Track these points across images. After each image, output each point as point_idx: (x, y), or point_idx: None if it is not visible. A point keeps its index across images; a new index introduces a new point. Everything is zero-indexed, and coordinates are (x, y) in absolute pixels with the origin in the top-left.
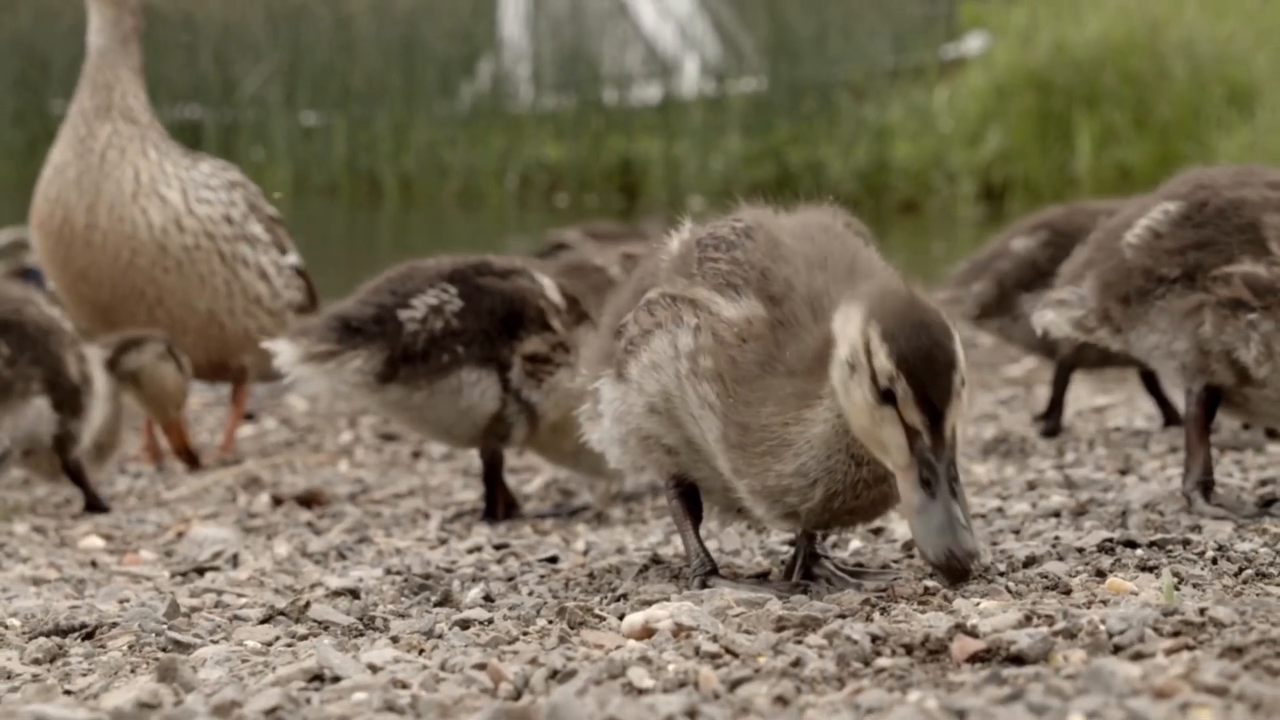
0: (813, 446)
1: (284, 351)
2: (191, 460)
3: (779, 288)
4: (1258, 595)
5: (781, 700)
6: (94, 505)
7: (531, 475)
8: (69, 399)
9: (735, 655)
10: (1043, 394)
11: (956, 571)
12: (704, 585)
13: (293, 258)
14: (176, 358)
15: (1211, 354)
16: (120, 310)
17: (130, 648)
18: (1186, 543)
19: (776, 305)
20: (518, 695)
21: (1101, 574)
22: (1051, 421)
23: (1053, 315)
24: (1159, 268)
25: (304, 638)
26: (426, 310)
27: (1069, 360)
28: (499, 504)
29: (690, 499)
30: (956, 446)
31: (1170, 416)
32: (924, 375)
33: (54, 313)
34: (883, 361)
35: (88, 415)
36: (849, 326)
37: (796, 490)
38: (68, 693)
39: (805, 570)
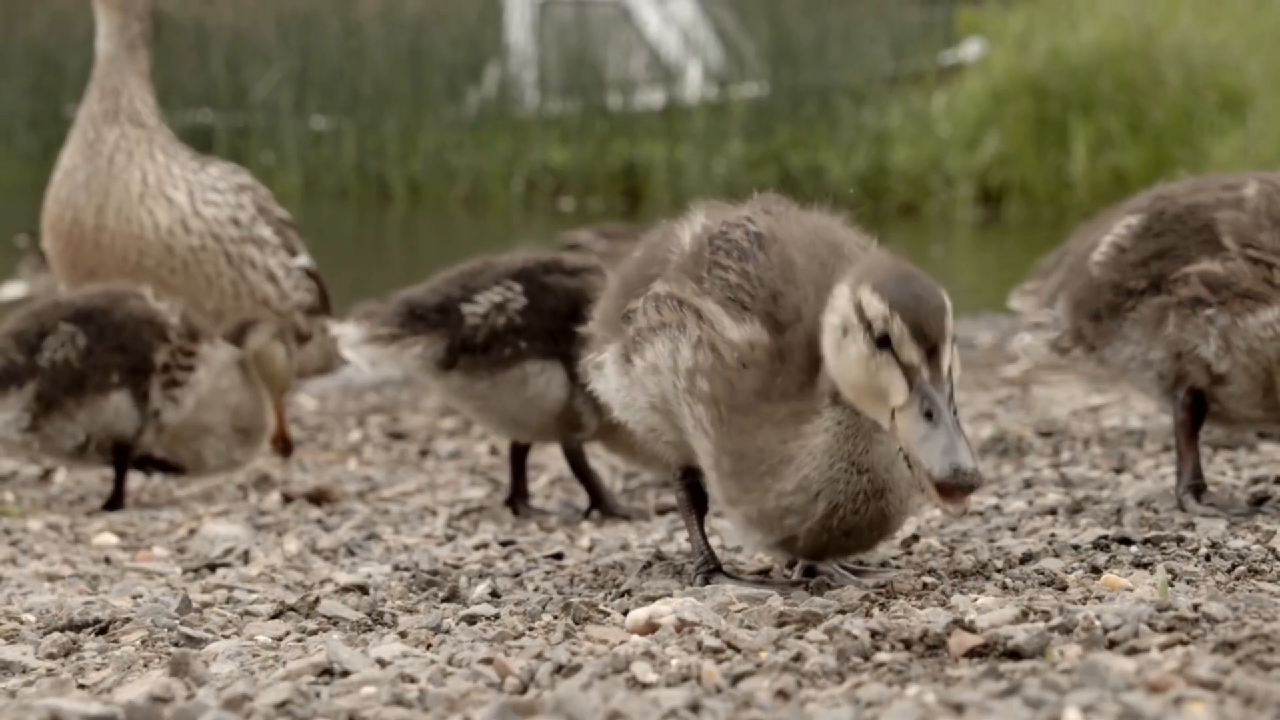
0: (815, 457)
1: (349, 333)
2: (286, 446)
3: (787, 315)
4: (1250, 591)
5: (783, 694)
6: (117, 500)
7: (537, 474)
8: (148, 392)
9: (737, 650)
10: (1040, 393)
11: (962, 488)
12: (706, 582)
13: (303, 259)
14: (286, 342)
15: (1184, 356)
16: None
17: (143, 643)
18: (1180, 540)
19: (780, 333)
20: (524, 689)
21: (1097, 570)
22: None
23: (1029, 339)
24: (1126, 281)
25: (314, 633)
26: (489, 306)
27: None
28: (601, 496)
29: (697, 491)
30: (954, 387)
31: None
32: (917, 313)
33: (158, 306)
34: (876, 307)
35: (169, 409)
36: (837, 300)
37: (798, 509)
38: (82, 687)
39: (808, 568)
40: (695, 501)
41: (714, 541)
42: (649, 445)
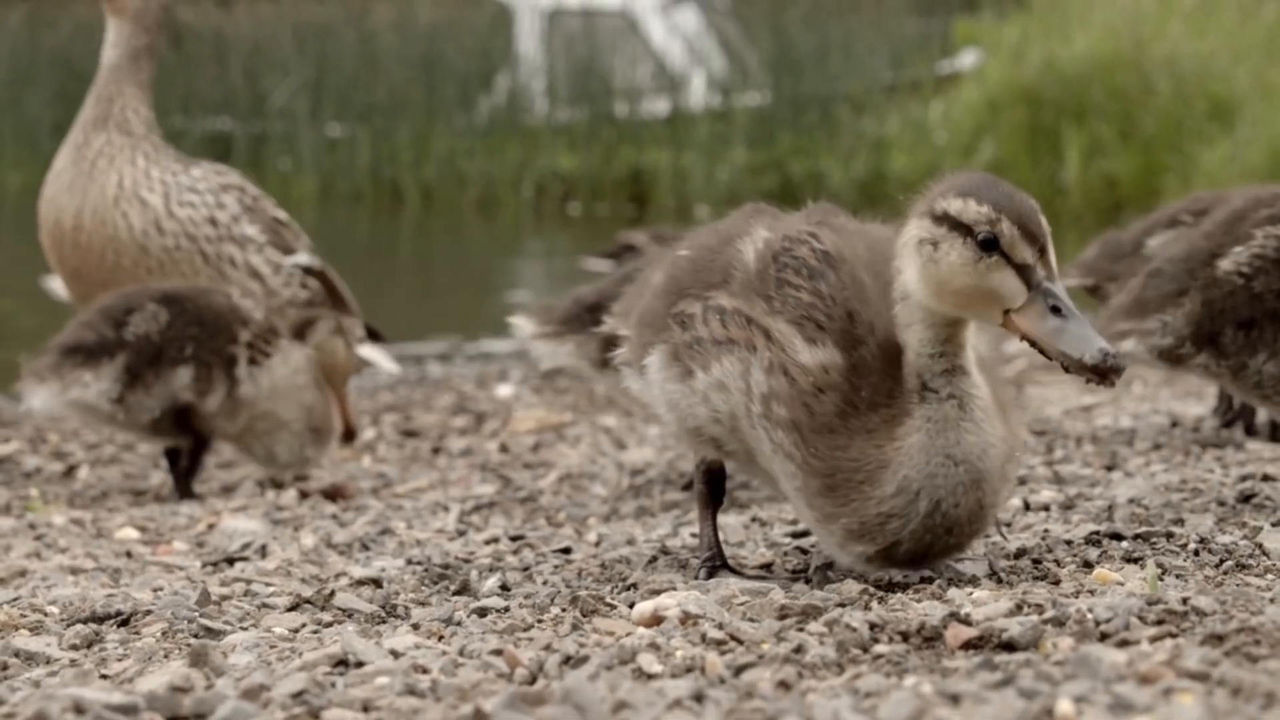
0: (911, 457)
1: (523, 326)
2: (350, 434)
3: (860, 332)
4: (1238, 585)
5: (784, 685)
6: (185, 490)
7: (546, 470)
8: (218, 377)
9: (740, 642)
10: (1034, 393)
11: (1114, 369)
12: (710, 576)
13: (302, 257)
14: (345, 335)
15: None
16: None
17: (163, 634)
18: (1170, 535)
19: (855, 349)
20: (533, 680)
21: (1089, 565)
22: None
23: (1132, 344)
24: None
25: (329, 625)
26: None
27: None
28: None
29: (716, 487)
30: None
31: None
32: (1021, 213)
33: (243, 302)
34: (976, 211)
35: (233, 385)
36: (907, 228)
37: (900, 511)
38: (104, 677)
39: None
40: (712, 497)
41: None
42: (685, 441)
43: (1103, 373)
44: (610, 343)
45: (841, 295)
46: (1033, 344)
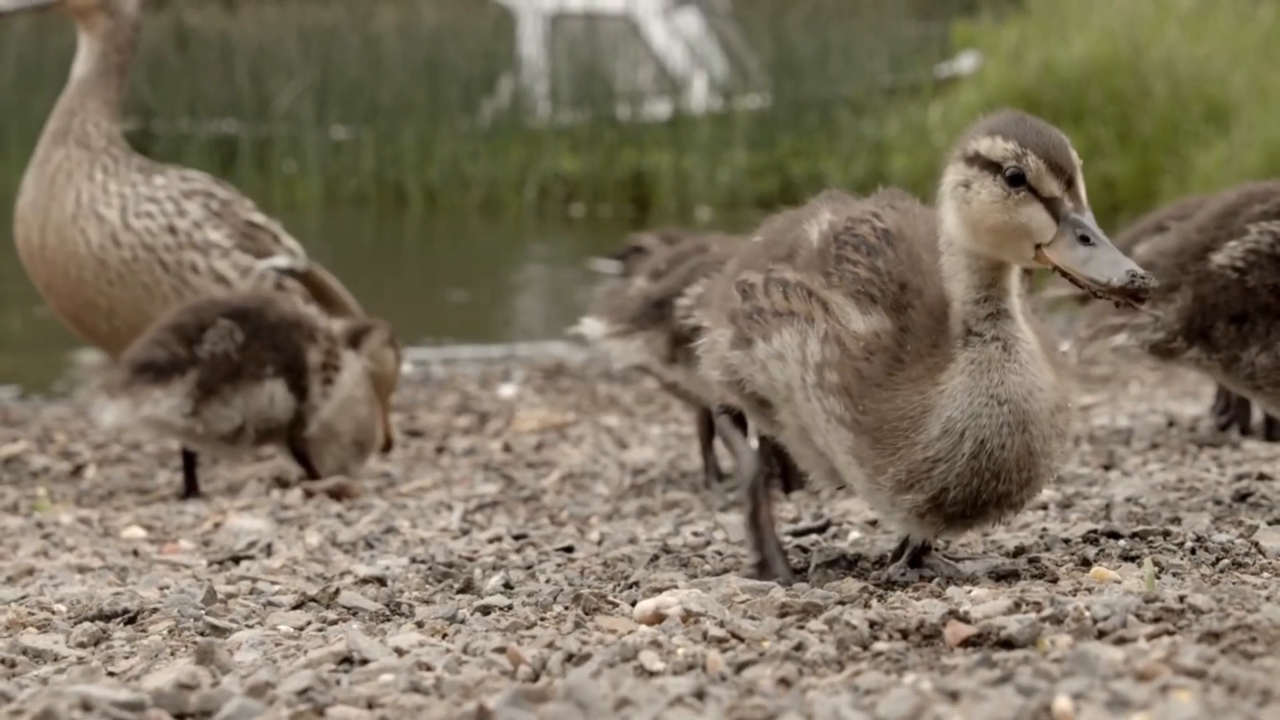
0: (955, 398)
1: (593, 327)
2: (388, 445)
3: (910, 297)
4: (1234, 583)
5: (785, 682)
6: (313, 475)
7: (548, 469)
8: (301, 385)
9: (741, 640)
10: None
11: (1143, 291)
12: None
13: (282, 260)
14: (396, 346)
15: None
16: (85, 319)
17: (170, 632)
18: (1167, 534)
19: (903, 312)
20: (536, 677)
21: (1086, 563)
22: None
23: (1123, 339)
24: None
25: (334, 623)
26: (695, 300)
27: None
28: (789, 477)
29: (739, 420)
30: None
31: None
32: (1047, 147)
33: (307, 310)
34: (1003, 148)
35: (321, 403)
36: (946, 173)
37: (945, 455)
38: (111, 674)
39: (914, 559)
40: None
41: (718, 535)
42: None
43: (1131, 293)
44: (679, 338)
45: (897, 269)
46: (1064, 274)
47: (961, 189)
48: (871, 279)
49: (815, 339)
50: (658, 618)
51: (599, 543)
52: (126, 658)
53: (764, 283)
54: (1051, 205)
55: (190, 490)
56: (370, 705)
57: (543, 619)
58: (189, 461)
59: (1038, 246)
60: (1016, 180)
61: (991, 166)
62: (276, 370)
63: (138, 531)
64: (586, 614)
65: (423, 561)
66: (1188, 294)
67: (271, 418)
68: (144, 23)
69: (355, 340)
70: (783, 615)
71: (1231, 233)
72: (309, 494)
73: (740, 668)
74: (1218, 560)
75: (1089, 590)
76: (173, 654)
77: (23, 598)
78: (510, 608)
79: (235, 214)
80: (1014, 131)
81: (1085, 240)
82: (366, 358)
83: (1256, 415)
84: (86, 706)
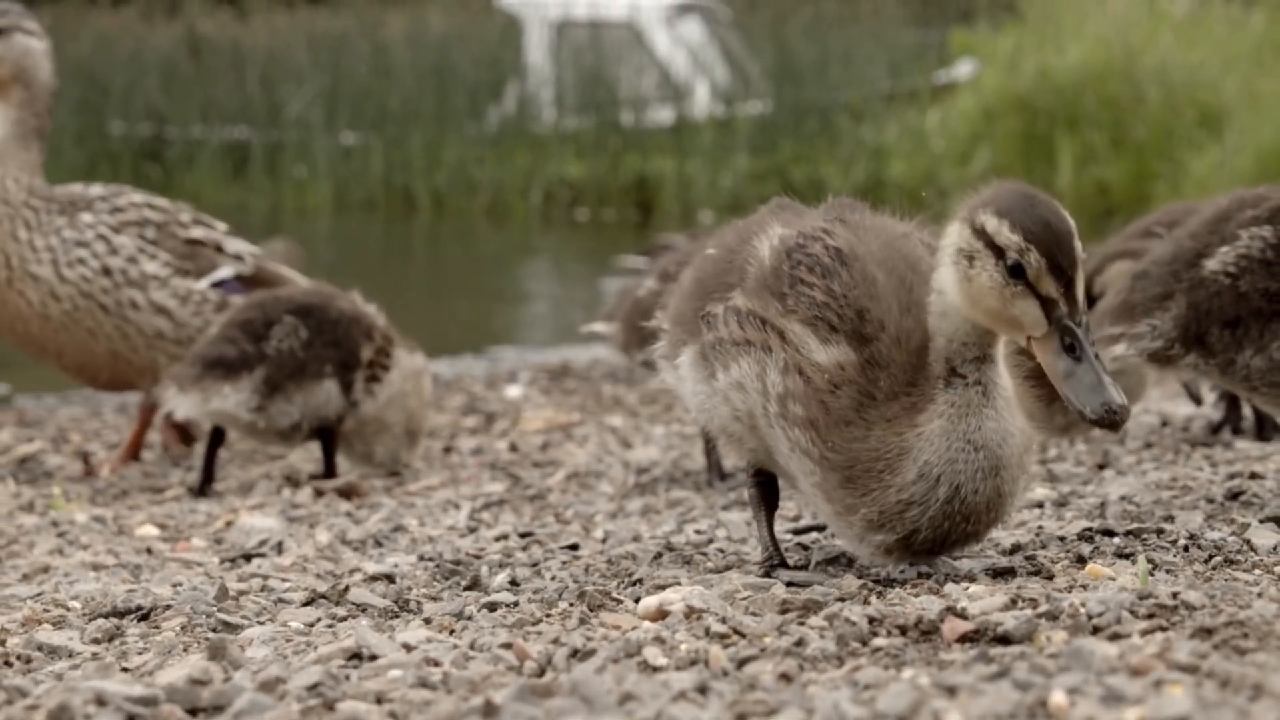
0: (932, 442)
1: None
2: None
3: (871, 329)
4: (1226, 580)
5: (785, 677)
6: (331, 474)
7: (554, 469)
8: (348, 381)
9: (743, 636)
10: None
11: (1115, 423)
12: (768, 575)
13: (223, 272)
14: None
15: None
16: (39, 357)
17: (183, 628)
18: (1160, 532)
19: (868, 345)
20: (541, 672)
21: (1082, 560)
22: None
23: (1122, 349)
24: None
25: (343, 619)
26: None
27: None
28: None
29: (768, 489)
30: (1087, 314)
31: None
32: (1051, 244)
33: (365, 308)
34: (1008, 237)
35: (364, 399)
36: (951, 230)
37: (920, 499)
38: (125, 670)
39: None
40: (765, 499)
41: (721, 533)
42: (725, 446)
43: (1103, 426)
44: None
45: (853, 293)
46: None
47: (964, 261)
48: (828, 303)
49: (775, 369)
50: (661, 614)
51: (603, 540)
52: (140, 654)
53: (723, 312)
54: (1047, 305)
55: (206, 482)
56: (379, 700)
57: (548, 615)
58: (210, 457)
59: (1032, 338)
60: (1016, 272)
61: (995, 249)
62: (334, 368)
63: (151, 530)
64: (591, 610)
65: (430, 559)
66: (1182, 301)
67: (325, 415)
68: (57, 88)
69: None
70: (783, 611)
71: (1224, 238)
72: (319, 493)
73: (742, 663)
74: (1210, 558)
75: (1084, 587)
76: (185, 650)
77: (38, 595)
78: (516, 604)
79: (173, 235)
80: (1022, 220)
81: (1071, 350)
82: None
83: (1247, 413)
84: (101, 701)
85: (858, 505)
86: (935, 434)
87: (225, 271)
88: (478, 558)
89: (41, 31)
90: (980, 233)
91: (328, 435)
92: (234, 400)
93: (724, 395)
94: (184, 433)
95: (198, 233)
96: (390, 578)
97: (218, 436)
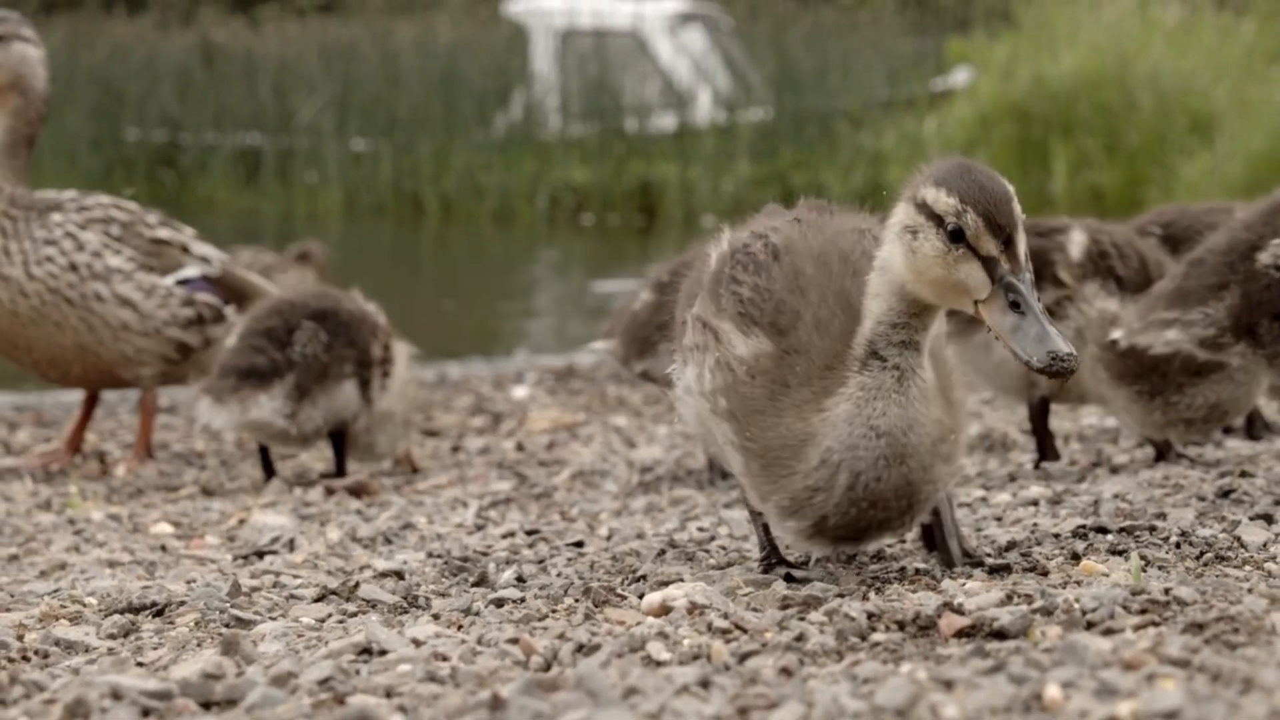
0: (835, 427)
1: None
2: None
3: (787, 320)
4: (1217, 577)
5: (786, 671)
6: (341, 473)
7: (560, 468)
8: (366, 379)
9: (744, 631)
10: None
11: (1062, 371)
12: (766, 572)
13: (190, 271)
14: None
15: None
16: (10, 354)
17: (196, 624)
18: (1153, 529)
19: (784, 336)
20: (547, 667)
21: (1076, 557)
22: None
23: (1174, 334)
24: None
25: (354, 615)
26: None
27: None
28: (1047, 447)
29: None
30: (1030, 270)
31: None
32: (989, 205)
33: (368, 307)
34: (945, 202)
35: (380, 397)
36: (896, 209)
37: (823, 485)
38: (140, 665)
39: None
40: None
41: (723, 531)
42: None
43: (1050, 374)
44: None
45: (776, 286)
46: (996, 336)
47: (909, 235)
48: (753, 298)
49: (709, 367)
50: (664, 610)
51: (608, 538)
52: (155, 649)
53: (688, 320)
54: (989, 265)
55: (270, 474)
56: (389, 694)
57: (554, 611)
58: (265, 452)
59: (977, 301)
60: (956, 236)
61: (935, 218)
62: (352, 369)
63: (166, 528)
64: (596, 606)
65: (439, 556)
66: (1236, 292)
67: (344, 416)
68: (51, 95)
69: None
70: (784, 607)
71: (1277, 231)
72: (330, 491)
73: (744, 658)
74: (1201, 554)
75: (1078, 583)
76: (199, 645)
77: (55, 591)
78: (523, 600)
79: (138, 234)
80: (957, 185)
81: (1016, 306)
82: None
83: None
84: (116, 695)
85: (771, 492)
86: (839, 418)
87: (191, 271)
88: (485, 555)
89: (38, 39)
90: (922, 206)
91: (340, 435)
92: (269, 408)
93: (682, 399)
94: (76, 445)
95: (163, 233)
96: (399, 574)
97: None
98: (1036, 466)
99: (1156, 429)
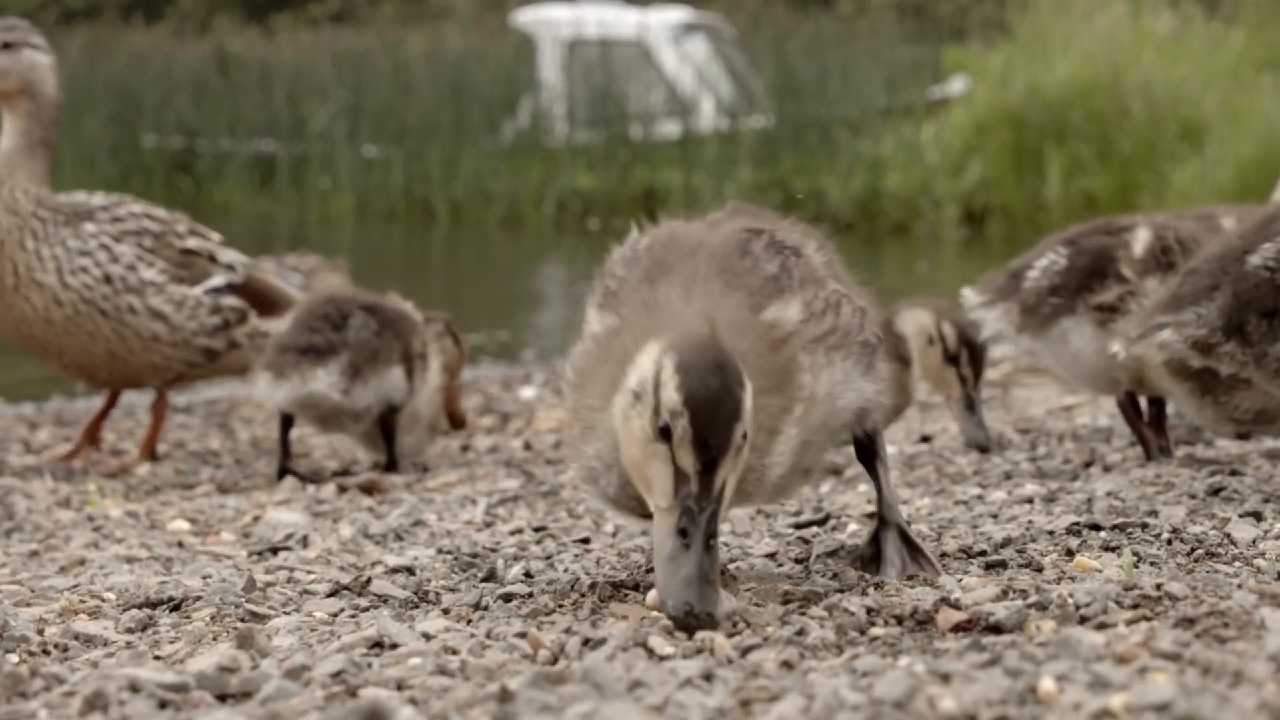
0: (611, 435)
1: (970, 297)
2: (458, 422)
3: (632, 305)
4: (1208, 572)
5: (787, 665)
6: (393, 466)
7: (567, 466)
8: (410, 370)
9: (746, 625)
10: (1019, 394)
11: (691, 627)
12: None
13: (217, 280)
14: (455, 334)
15: None
16: (42, 357)
17: (212, 618)
18: (1145, 526)
19: (619, 314)
20: (554, 660)
21: (1070, 553)
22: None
23: (1168, 335)
24: None
25: (366, 609)
26: (1040, 270)
27: None
28: (1150, 441)
29: None
30: (724, 503)
31: None
32: (706, 419)
33: (406, 306)
34: (670, 394)
35: (420, 388)
36: (645, 357)
37: (604, 474)
38: (157, 658)
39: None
40: None
41: (724, 528)
42: None
43: (678, 623)
44: (1027, 308)
45: (634, 276)
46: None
47: (632, 397)
48: (619, 289)
49: (577, 351)
50: None
51: (614, 535)
52: (172, 642)
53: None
54: (678, 478)
55: (286, 469)
56: (400, 687)
57: (561, 606)
58: (284, 438)
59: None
60: (664, 434)
61: (655, 403)
62: (399, 357)
63: (182, 524)
64: (602, 601)
65: (449, 552)
66: (1227, 292)
67: (392, 398)
68: (63, 100)
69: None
70: (785, 602)
71: (1268, 236)
72: (342, 489)
73: (746, 651)
74: (1192, 550)
75: (1072, 579)
76: (215, 639)
77: (75, 586)
78: (531, 595)
79: (169, 245)
80: (692, 381)
81: (684, 534)
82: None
83: None
84: (134, 688)
85: (573, 460)
86: (612, 433)
87: (218, 280)
88: (494, 551)
89: (48, 47)
90: (656, 382)
91: (389, 425)
92: (325, 382)
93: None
94: (93, 437)
95: (193, 243)
96: (410, 570)
97: (287, 423)
98: (1147, 460)
99: (1211, 424)
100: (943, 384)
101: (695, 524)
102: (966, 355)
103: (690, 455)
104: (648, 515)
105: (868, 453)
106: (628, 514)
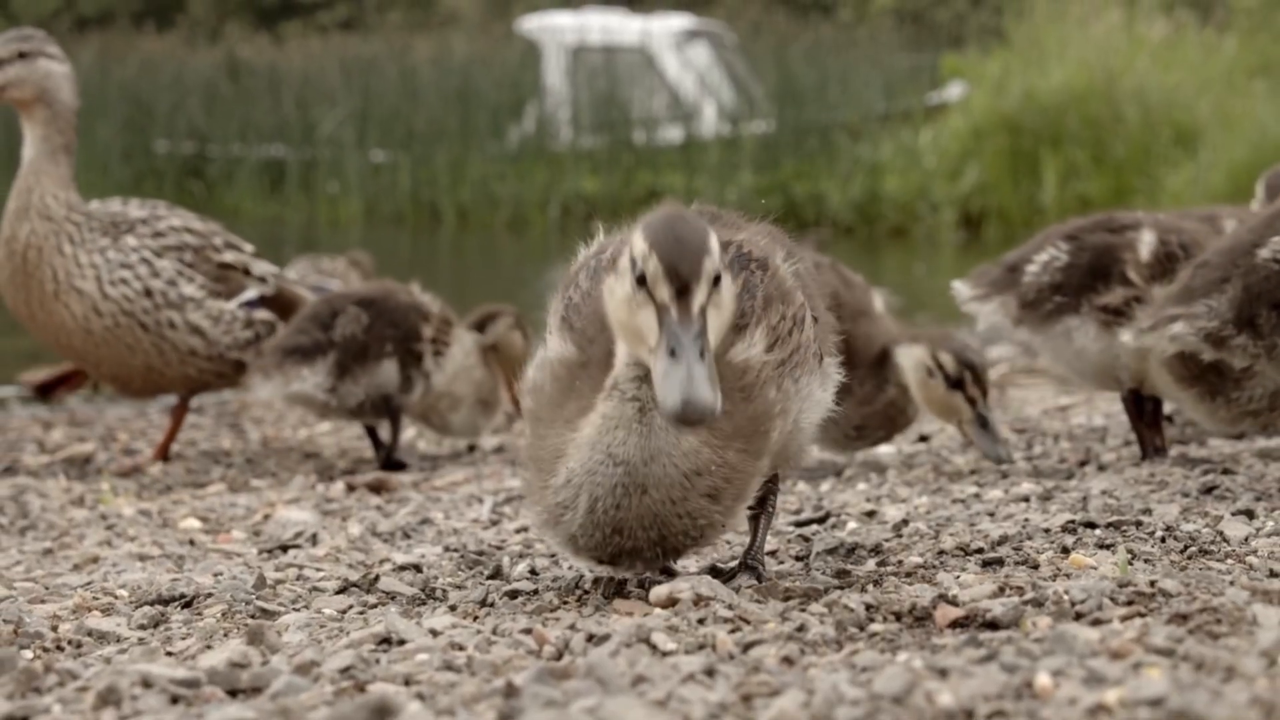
0: (580, 450)
1: (961, 290)
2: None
3: (594, 331)
4: (1200, 569)
5: (788, 660)
6: (391, 458)
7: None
8: (416, 354)
9: (748, 622)
10: (1015, 395)
11: (690, 420)
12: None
13: (251, 293)
14: (523, 328)
15: None
16: (83, 365)
17: (223, 615)
18: (1139, 524)
19: (588, 346)
20: (559, 656)
21: (1065, 551)
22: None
23: (1180, 328)
24: None
25: (374, 606)
26: (1040, 265)
27: None
28: (1147, 441)
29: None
30: (709, 329)
31: None
32: (673, 253)
33: (422, 298)
34: (639, 247)
35: (434, 372)
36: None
37: (569, 503)
38: (169, 654)
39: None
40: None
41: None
42: None
43: (680, 422)
44: (1027, 302)
45: (593, 297)
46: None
47: (612, 278)
48: (579, 306)
49: (534, 364)
50: (671, 601)
51: None
52: (183, 639)
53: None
54: (660, 312)
55: (386, 455)
56: (407, 682)
57: (565, 603)
58: (372, 434)
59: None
60: (640, 282)
61: (631, 262)
62: (393, 348)
63: (194, 523)
64: (606, 598)
65: (455, 550)
66: (1238, 285)
67: (386, 391)
68: (79, 106)
69: (482, 325)
70: (786, 599)
71: (1277, 230)
72: (351, 488)
73: (747, 647)
74: (1186, 548)
75: (1068, 576)
76: (226, 635)
77: (88, 584)
78: (536, 592)
79: (208, 259)
80: (653, 231)
81: (673, 354)
82: (494, 340)
83: None
84: (146, 683)
85: (533, 501)
86: (583, 441)
87: (251, 293)
88: (500, 549)
89: (63, 56)
90: (630, 249)
91: (395, 413)
92: (311, 383)
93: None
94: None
95: (229, 256)
96: (418, 567)
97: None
98: (1144, 459)
99: (1227, 425)
100: (950, 411)
101: (680, 342)
102: (970, 376)
103: (665, 286)
104: (615, 560)
105: (759, 501)
106: (589, 557)
